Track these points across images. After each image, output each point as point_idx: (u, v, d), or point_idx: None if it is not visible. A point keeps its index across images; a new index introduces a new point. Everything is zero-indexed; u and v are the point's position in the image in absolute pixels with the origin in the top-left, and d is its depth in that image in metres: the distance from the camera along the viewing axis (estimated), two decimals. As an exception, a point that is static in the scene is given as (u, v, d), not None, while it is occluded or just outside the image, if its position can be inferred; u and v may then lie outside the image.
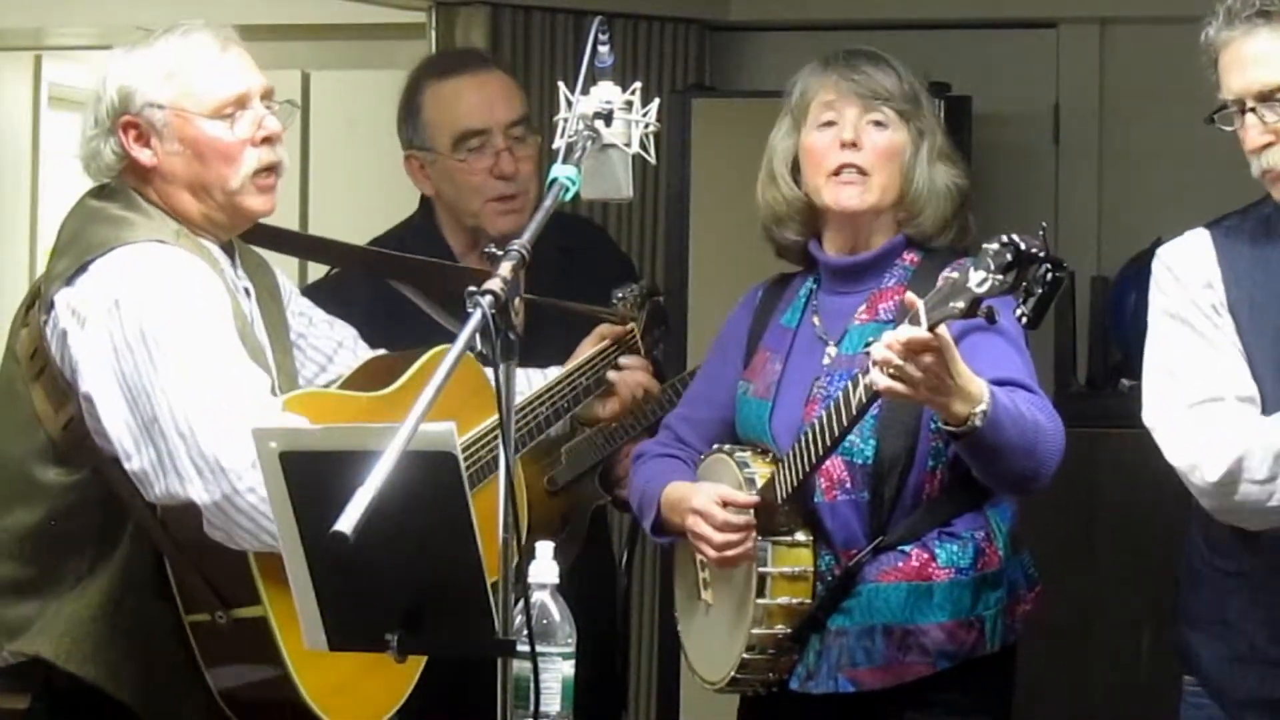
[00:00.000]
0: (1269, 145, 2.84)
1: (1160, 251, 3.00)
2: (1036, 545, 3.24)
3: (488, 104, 3.69)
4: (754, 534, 3.10)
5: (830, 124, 3.16)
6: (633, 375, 3.52)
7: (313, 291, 3.48)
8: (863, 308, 3.17)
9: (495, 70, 3.83)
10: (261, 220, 3.08)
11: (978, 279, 2.64)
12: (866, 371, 2.83)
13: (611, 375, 3.50)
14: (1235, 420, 2.85)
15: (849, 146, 3.13)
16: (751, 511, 3.10)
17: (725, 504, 3.11)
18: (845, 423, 2.92)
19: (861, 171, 3.13)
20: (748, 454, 3.18)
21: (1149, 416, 2.94)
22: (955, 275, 2.70)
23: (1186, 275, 2.94)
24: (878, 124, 3.15)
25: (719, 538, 3.11)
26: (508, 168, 3.66)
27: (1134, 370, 3.20)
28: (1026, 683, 3.24)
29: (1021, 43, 5.63)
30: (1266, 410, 2.87)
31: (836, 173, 3.14)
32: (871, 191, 3.14)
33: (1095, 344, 5.26)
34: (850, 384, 2.91)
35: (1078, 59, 5.57)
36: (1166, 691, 3.09)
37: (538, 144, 3.72)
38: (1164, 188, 5.31)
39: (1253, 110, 2.83)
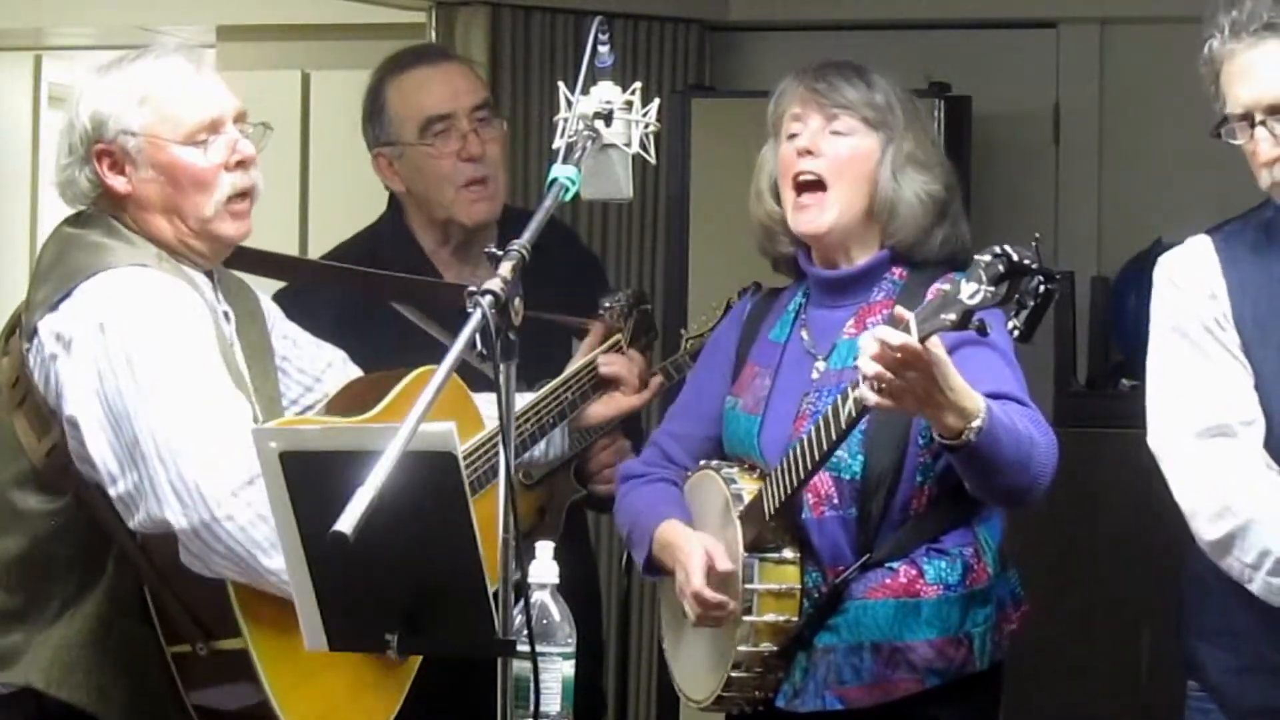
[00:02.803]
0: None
1: (1162, 260, 2.97)
2: (1036, 547, 3.23)
3: (450, 89, 3.72)
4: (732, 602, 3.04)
5: (796, 135, 3.14)
6: (616, 360, 3.49)
7: (276, 301, 3.42)
8: (850, 322, 3.13)
9: (454, 60, 3.90)
10: (244, 245, 3.06)
11: (969, 290, 2.59)
12: (856, 385, 2.80)
13: (603, 370, 3.46)
14: (1243, 471, 2.84)
15: (805, 154, 3.11)
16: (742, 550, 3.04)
17: (711, 568, 3.04)
18: (834, 437, 2.89)
19: (820, 183, 3.10)
20: (734, 470, 3.15)
21: (1154, 442, 2.93)
22: (946, 288, 2.66)
23: (1189, 286, 2.91)
24: (839, 133, 3.12)
25: (699, 609, 3.06)
26: (475, 149, 3.67)
27: (1134, 370, 3.20)
28: (1026, 683, 3.25)
29: (1021, 43, 5.62)
30: (1273, 427, 2.86)
31: (797, 191, 3.11)
32: (829, 209, 3.10)
33: (1095, 344, 5.25)
34: (839, 398, 2.87)
35: (1078, 59, 5.56)
36: (1166, 692, 3.09)
37: (503, 127, 3.77)
38: (1164, 188, 5.31)
39: (1262, 123, 2.81)
